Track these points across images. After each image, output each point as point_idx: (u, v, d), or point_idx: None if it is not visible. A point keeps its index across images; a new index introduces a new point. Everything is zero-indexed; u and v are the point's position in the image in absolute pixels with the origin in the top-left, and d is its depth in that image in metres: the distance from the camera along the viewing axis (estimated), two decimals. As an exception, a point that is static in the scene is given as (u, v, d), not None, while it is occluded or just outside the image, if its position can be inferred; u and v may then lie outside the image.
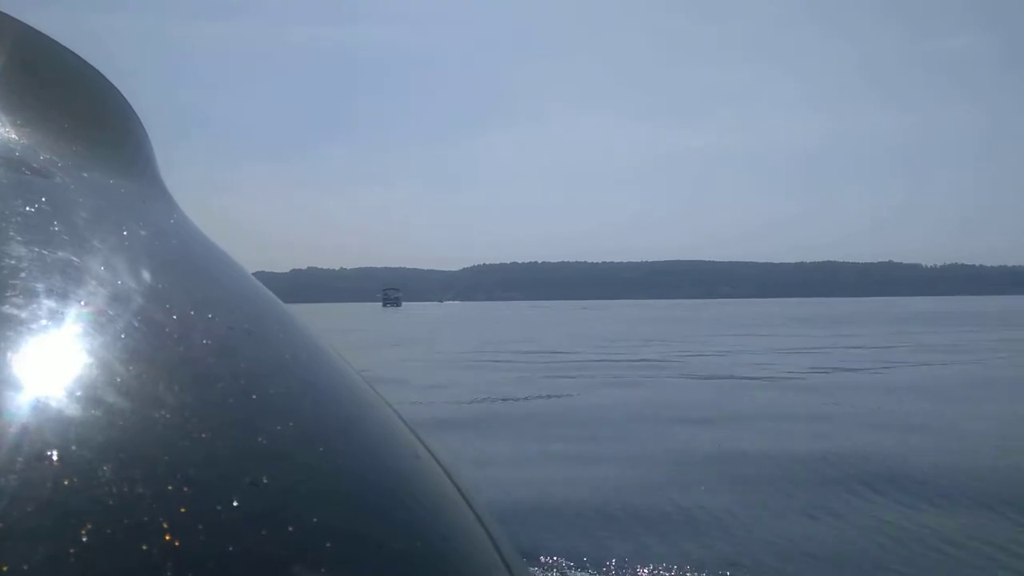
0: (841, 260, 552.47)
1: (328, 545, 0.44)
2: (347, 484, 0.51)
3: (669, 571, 3.38)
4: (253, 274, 0.84)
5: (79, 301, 0.55)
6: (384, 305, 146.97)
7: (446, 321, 48.20)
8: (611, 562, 3.47)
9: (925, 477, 4.90)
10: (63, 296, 0.54)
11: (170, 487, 0.42)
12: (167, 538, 0.39)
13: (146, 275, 0.64)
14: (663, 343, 20.59)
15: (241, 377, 0.56)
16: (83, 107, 0.96)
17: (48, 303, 0.53)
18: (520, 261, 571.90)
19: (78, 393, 0.46)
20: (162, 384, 0.49)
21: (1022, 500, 4.35)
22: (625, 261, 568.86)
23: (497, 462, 5.56)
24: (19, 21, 0.95)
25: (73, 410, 0.45)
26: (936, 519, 4.08)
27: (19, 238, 0.59)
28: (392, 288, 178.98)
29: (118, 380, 0.48)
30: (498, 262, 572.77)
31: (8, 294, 0.52)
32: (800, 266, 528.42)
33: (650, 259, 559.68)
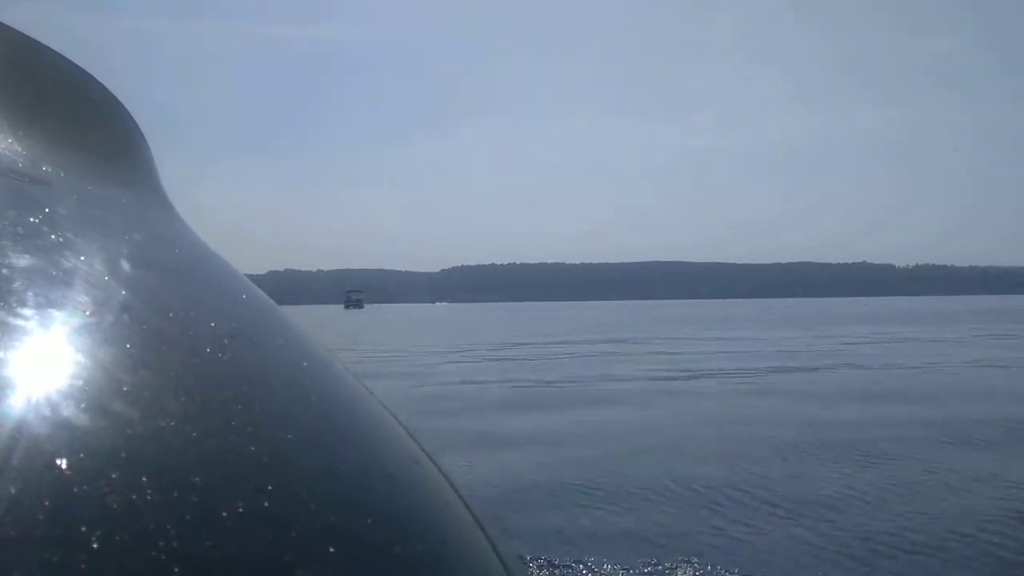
0: (816, 261, 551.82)
1: (331, 550, 0.45)
2: (348, 489, 0.52)
3: (670, 571, 3.68)
4: None
5: (82, 310, 0.55)
6: (346, 307, 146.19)
7: (389, 325, 48.99)
8: (611, 561, 3.77)
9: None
10: (65, 305, 0.55)
11: (172, 493, 0.43)
12: (167, 544, 0.40)
13: (148, 284, 0.65)
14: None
15: (243, 384, 0.56)
16: (84, 117, 0.97)
17: (50, 312, 0.54)
18: (499, 262, 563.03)
19: (83, 401, 0.47)
20: (165, 391, 0.50)
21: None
22: (604, 262, 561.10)
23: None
24: (18, 31, 0.95)
25: (79, 418, 0.45)
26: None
27: (20, 247, 0.59)
28: (355, 290, 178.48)
29: (123, 388, 0.49)
30: (476, 263, 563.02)
31: (9, 303, 0.53)
32: (776, 267, 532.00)
33: (629, 260, 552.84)
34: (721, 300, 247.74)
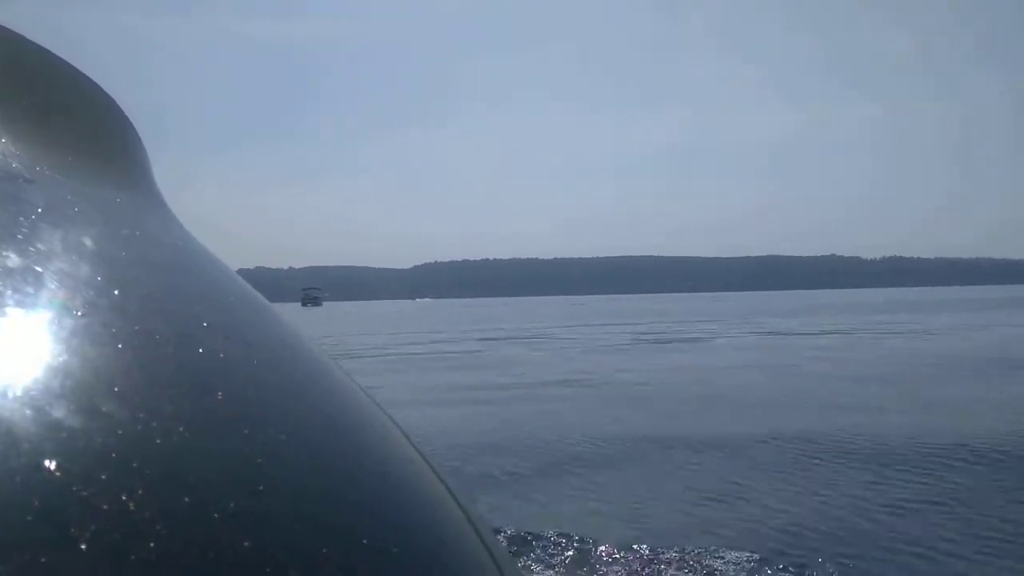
0: (785, 255, 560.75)
1: (324, 550, 0.45)
2: (343, 488, 0.52)
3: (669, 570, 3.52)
4: None
5: (77, 312, 0.55)
6: (303, 305, 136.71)
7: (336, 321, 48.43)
8: (610, 562, 3.61)
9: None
10: (61, 306, 0.55)
11: (164, 493, 0.43)
12: (159, 545, 0.40)
13: (142, 284, 0.65)
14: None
15: (237, 383, 0.57)
16: (80, 119, 0.97)
17: (46, 313, 0.54)
18: (472, 259, 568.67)
19: (78, 402, 0.46)
20: (160, 391, 0.50)
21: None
22: (577, 257, 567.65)
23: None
24: (14, 32, 0.95)
25: (75, 419, 0.45)
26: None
27: (15, 248, 0.59)
28: (312, 288, 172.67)
29: (116, 388, 0.49)
30: (449, 260, 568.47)
31: (2, 303, 0.52)
32: (746, 260, 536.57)
33: (602, 255, 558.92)
34: (691, 294, 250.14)
